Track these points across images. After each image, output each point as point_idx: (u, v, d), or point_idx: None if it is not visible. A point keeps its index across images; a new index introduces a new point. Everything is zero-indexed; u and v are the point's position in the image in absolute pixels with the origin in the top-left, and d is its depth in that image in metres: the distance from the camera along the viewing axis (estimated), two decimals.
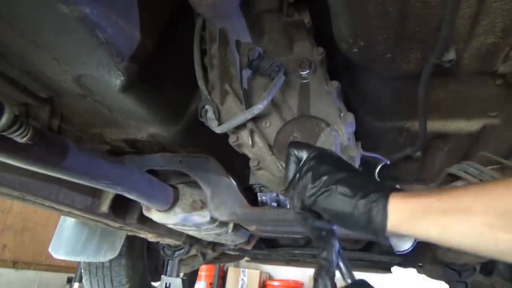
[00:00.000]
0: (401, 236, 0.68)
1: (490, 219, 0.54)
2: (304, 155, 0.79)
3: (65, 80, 0.98)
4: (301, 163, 0.78)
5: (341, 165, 0.76)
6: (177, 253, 2.16)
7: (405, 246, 0.75)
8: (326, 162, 0.76)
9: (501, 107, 1.03)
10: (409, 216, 0.63)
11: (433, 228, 0.60)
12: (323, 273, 0.72)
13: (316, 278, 0.72)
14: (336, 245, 0.77)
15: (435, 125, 1.13)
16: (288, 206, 0.82)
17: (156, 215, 1.33)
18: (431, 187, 0.67)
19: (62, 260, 1.99)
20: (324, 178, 0.72)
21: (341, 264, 0.77)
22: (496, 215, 0.54)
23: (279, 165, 1.02)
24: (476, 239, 0.56)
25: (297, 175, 0.77)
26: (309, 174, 0.74)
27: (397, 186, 0.71)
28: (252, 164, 1.09)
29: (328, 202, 0.70)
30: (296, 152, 0.80)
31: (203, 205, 1.36)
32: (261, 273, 6.19)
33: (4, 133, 0.66)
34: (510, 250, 0.55)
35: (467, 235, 0.57)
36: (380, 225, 0.64)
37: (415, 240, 0.72)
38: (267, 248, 2.48)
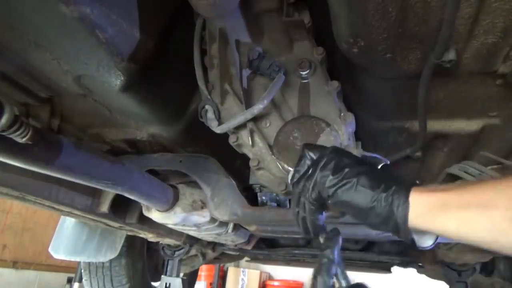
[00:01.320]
0: (422, 232, 0.67)
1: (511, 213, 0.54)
2: (317, 155, 0.79)
3: (65, 80, 0.98)
4: (317, 158, 0.78)
5: (359, 160, 0.77)
6: (177, 253, 2.16)
7: (428, 241, 0.74)
8: (346, 156, 0.76)
9: (501, 107, 1.03)
10: (428, 211, 0.62)
11: (452, 222, 0.60)
12: (323, 271, 0.71)
13: (315, 276, 0.71)
14: (339, 244, 0.76)
15: (435, 125, 1.12)
16: (297, 201, 0.81)
17: (156, 215, 1.33)
18: (450, 183, 0.67)
19: (62, 260, 1.99)
20: (346, 170, 0.72)
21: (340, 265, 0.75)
22: None
23: (279, 165, 1.02)
24: (496, 234, 0.56)
25: (314, 167, 0.76)
26: (331, 165, 0.74)
27: (417, 182, 0.71)
28: (252, 164, 1.09)
29: (349, 195, 0.70)
30: (310, 153, 0.80)
31: (203, 205, 1.36)
32: (261, 273, 6.19)
33: (4, 133, 0.66)
34: None
35: (487, 230, 0.56)
36: (401, 218, 0.64)
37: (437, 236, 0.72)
38: (267, 248, 2.48)
